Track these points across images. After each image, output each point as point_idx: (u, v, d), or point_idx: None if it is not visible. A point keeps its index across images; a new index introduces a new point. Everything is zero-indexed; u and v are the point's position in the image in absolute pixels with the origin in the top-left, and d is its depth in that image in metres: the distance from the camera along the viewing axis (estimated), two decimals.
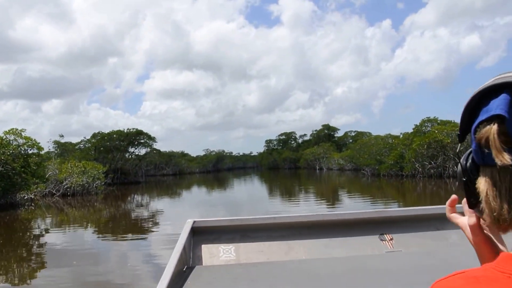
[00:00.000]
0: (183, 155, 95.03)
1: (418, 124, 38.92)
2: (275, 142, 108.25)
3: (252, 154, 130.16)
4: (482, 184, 0.64)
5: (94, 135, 51.29)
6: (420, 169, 34.20)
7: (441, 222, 2.67)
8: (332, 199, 24.56)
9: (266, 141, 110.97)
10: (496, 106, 0.60)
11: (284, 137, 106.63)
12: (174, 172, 75.89)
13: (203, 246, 2.59)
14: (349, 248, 2.58)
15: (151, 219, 18.63)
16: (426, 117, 38.38)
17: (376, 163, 40.60)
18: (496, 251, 0.72)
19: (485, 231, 0.74)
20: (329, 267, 2.22)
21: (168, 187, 46.52)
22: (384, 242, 2.67)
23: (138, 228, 16.23)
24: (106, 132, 51.01)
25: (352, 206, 20.37)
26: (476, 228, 0.74)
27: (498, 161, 0.58)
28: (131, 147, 52.64)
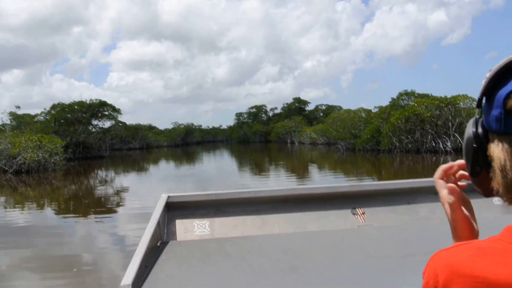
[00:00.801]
0: (151, 128, 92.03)
1: (395, 97, 37.85)
2: (245, 115, 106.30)
3: (222, 128, 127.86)
4: (498, 151, 0.63)
5: (53, 106, 47.83)
6: (397, 144, 33.27)
7: (412, 196, 2.71)
8: (304, 173, 23.89)
9: (237, 114, 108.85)
10: None
11: (254, 110, 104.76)
12: (141, 146, 73.25)
13: (177, 221, 2.59)
14: (322, 222, 2.59)
15: (117, 196, 17.60)
16: (403, 90, 37.44)
17: (351, 137, 39.51)
18: (471, 229, 0.74)
19: (463, 209, 0.75)
20: (302, 241, 2.19)
21: (135, 161, 44.61)
22: (356, 216, 2.72)
23: (103, 205, 15.32)
24: (67, 103, 47.62)
25: (326, 181, 19.26)
26: (456, 206, 0.75)
27: None
28: (95, 120, 49.60)
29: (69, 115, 46.42)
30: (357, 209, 2.76)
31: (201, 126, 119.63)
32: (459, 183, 0.81)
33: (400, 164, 26.22)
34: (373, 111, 44.76)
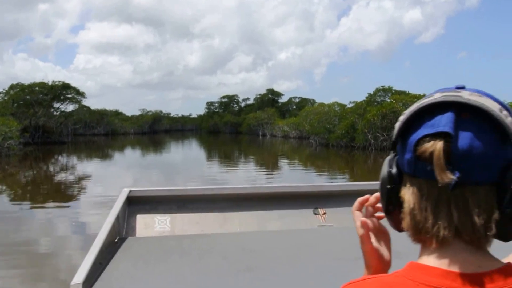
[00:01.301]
0: (117, 113, 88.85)
1: (371, 93, 37.15)
2: (216, 105, 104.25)
3: (191, 116, 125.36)
4: (408, 194, 0.66)
5: (12, 87, 44.71)
6: (372, 141, 32.59)
7: None
8: (274, 167, 23.33)
9: (208, 103, 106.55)
10: (445, 123, 0.61)
11: (226, 99, 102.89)
12: (106, 132, 70.73)
13: (138, 216, 2.53)
14: (284, 221, 2.57)
15: (77, 184, 16.69)
16: (381, 86, 36.71)
17: (325, 132, 38.59)
18: (380, 260, 0.78)
19: (373, 242, 0.79)
20: (262, 240, 2.21)
21: (99, 148, 42.76)
22: (317, 216, 2.70)
23: (63, 194, 14.45)
24: (26, 84, 44.61)
25: (296, 177, 18.71)
26: (366, 239, 0.78)
27: (440, 179, 0.60)
28: (57, 103, 46.84)
29: (28, 97, 43.49)
30: (319, 209, 2.77)
31: (170, 114, 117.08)
32: (378, 214, 0.83)
33: (374, 162, 25.55)
34: (348, 106, 44.06)
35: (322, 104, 55.59)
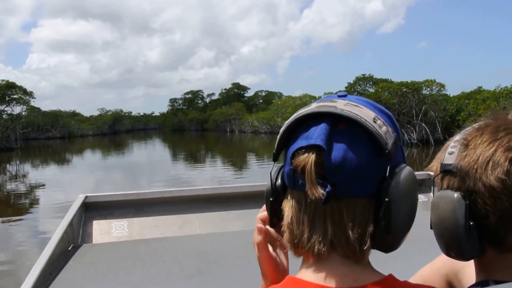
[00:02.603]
0: (74, 114, 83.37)
1: (352, 82, 34.66)
2: (180, 102, 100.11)
3: (154, 115, 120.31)
4: (288, 208, 0.65)
5: None
6: None
7: None
8: (242, 166, 22.47)
9: (171, 100, 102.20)
10: (317, 135, 0.60)
11: (190, 95, 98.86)
12: (62, 135, 65.75)
13: (94, 222, 2.44)
14: (245, 221, 2.49)
15: (30, 194, 15.40)
16: (361, 75, 34.36)
17: None
18: (276, 269, 0.76)
19: (270, 250, 0.76)
20: (223, 241, 2.18)
21: (54, 152, 39.60)
22: None
23: (13, 206, 13.29)
24: None
25: (267, 175, 15.92)
26: (262, 246, 0.75)
27: (310, 194, 0.59)
28: (1, 104, 41.82)
29: None
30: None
31: (131, 112, 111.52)
32: None
33: None
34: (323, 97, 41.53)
35: (291, 97, 53.09)
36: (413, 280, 0.95)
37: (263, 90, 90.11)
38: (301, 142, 0.62)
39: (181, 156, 31.18)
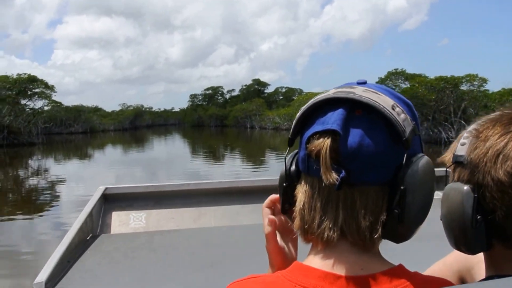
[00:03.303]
0: (96, 110, 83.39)
1: (383, 77, 32.99)
2: (200, 97, 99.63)
3: (174, 110, 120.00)
4: (301, 193, 0.65)
5: None
6: None
7: None
8: (262, 162, 22.14)
9: (191, 95, 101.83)
10: (334, 120, 0.60)
11: (210, 91, 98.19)
12: (84, 130, 65.94)
13: (113, 213, 2.50)
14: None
15: (52, 189, 15.45)
16: (394, 69, 32.64)
17: None
18: (284, 260, 0.75)
19: (278, 240, 0.76)
20: (238, 234, 2.19)
21: (77, 147, 39.48)
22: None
23: (35, 201, 13.14)
24: None
25: None
26: (271, 237, 0.75)
27: (325, 179, 0.59)
28: (24, 99, 41.57)
29: None
30: None
31: (151, 108, 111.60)
32: None
33: None
34: None
35: (314, 93, 51.65)
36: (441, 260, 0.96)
37: (283, 87, 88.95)
38: (316, 127, 0.61)
39: (201, 152, 30.90)
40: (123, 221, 2.46)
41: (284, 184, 0.68)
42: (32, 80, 40.57)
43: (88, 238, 2.17)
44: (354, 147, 0.58)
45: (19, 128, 39.70)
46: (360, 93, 0.61)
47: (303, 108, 0.65)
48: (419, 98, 26.39)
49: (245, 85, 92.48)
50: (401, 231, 0.62)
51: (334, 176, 0.58)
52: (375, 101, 0.60)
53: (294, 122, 0.66)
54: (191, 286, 1.75)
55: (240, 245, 1.93)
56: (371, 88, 0.62)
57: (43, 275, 1.59)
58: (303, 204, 0.63)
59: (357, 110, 0.60)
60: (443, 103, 27.05)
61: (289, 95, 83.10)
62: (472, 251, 0.69)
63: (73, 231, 1.97)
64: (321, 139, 0.60)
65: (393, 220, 0.60)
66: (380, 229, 0.61)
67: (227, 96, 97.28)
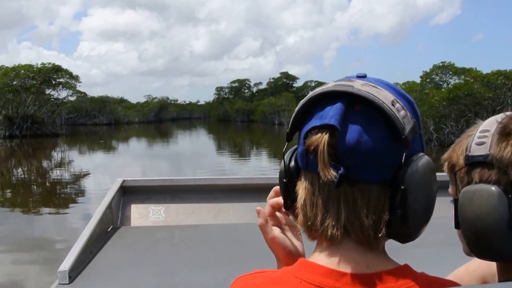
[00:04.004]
0: (121, 101, 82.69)
1: (428, 71, 30.13)
2: (226, 90, 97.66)
3: (199, 103, 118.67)
4: (302, 189, 0.64)
5: None
6: (435, 134, 25.79)
7: None
8: None
9: (217, 88, 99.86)
10: (332, 115, 0.59)
11: (237, 84, 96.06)
12: (109, 122, 65.36)
13: (132, 206, 2.53)
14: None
15: (77, 181, 15.32)
16: (441, 62, 29.63)
17: None
18: (287, 252, 0.75)
19: (276, 233, 0.75)
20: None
21: (101, 139, 38.40)
22: None
23: (60, 194, 13.16)
24: (10, 67, 38.18)
25: None
26: (264, 229, 0.75)
27: (322, 175, 0.58)
28: (48, 89, 40.50)
29: (15, 82, 37.17)
30: None
31: (177, 100, 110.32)
32: None
33: (436, 161, 19.16)
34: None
35: None
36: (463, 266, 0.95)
37: (312, 80, 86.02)
38: (315, 122, 0.60)
39: (227, 149, 30.19)
40: (142, 214, 2.48)
41: (284, 180, 0.67)
42: (57, 69, 39.21)
43: (109, 229, 2.20)
44: (353, 143, 0.57)
45: (43, 118, 38.63)
46: (359, 87, 0.59)
47: (302, 101, 0.64)
48: (474, 95, 23.56)
49: (273, 78, 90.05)
50: (405, 231, 0.61)
51: (332, 173, 0.57)
52: (374, 96, 0.58)
53: (293, 115, 0.64)
54: (211, 282, 1.73)
55: (261, 243, 1.81)
56: (371, 82, 0.61)
57: (66, 264, 1.62)
58: (304, 200, 0.63)
59: (356, 105, 0.59)
60: (499, 102, 24.21)
61: None
62: (506, 257, 0.65)
63: (94, 222, 1.99)
64: (319, 134, 0.59)
65: (397, 220, 0.59)
66: (383, 229, 0.60)
67: (254, 89, 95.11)
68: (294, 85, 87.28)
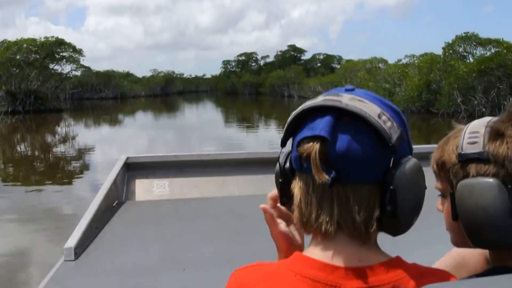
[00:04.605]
0: (127, 75, 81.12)
1: (450, 41, 28.27)
2: (233, 64, 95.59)
3: (205, 77, 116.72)
4: (297, 189, 0.69)
5: None
6: (463, 106, 24.29)
7: None
8: None
9: (224, 62, 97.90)
10: (322, 127, 0.63)
11: (243, 58, 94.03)
12: (115, 96, 64.00)
13: (137, 181, 2.56)
14: None
15: (81, 159, 14.44)
16: (464, 33, 27.76)
17: (384, 94, 30.37)
18: (289, 244, 0.78)
19: (282, 227, 0.79)
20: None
21: (107, 114, 37.67)
22: None
23: (66, 168, 12.93)
24: (12, 41, 36.68)
25: None
26: (271, 223, 0.79)
27: (317, 179, 0.63)
28: (52, 63, 39.07)
29: (18, 56, 35.76)
30: None
31: (182, 74, 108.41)
32: None
33: None
34: (404, 60, 35.52)
35: (361, 60, 47.18)
36: (447, 255, 1.00)
37: (320, 53, 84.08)
38: (306, 132, 0.65)
39: (239, 121, 29.36)
40: (146, 188, 2.49)
41: (280, 180, 0.72)
42: (60, 43, 37.65)
43: (114, 204, 2.23)
44: (343, 151, 0.62)
45: (46, 93, 37.36)
46: (347, 101, 0.64)
47: (294, 113, 0.68)
48: (508, 67, 21.94)
49: (280, 51, 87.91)
50: (395, 225, 0.65)
51: (325, 176, 0.62)
52: (361, 109, 0.63)
53: (286, 125, 0.69)
54: (216, 254, 1.74)
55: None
56: (358, 96, 0.65)
57: (72, 240, 1.63)
58: (300, 199, 0.67)
59: (344, 117, 0.64)
60: None
61: (328, 63, 78.41)
62: (506, 244, 0.71)
63: (99, 198, 1.99)
64: (311, 143, 0.63)
65: (387, 215, 0.63)
66: (375, 224, 0.64)
67: (261, 62, 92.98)
68: (302, 57, 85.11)
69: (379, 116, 0.63)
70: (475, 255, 0.92)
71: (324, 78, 53.27)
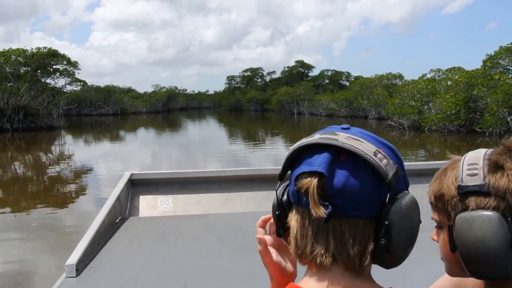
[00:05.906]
0: (128, 91, 78.38)
1: (493, 53, 25.03)
2: (238, 80, 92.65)
3: (208, 93, 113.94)
4: (294, 221, 0.70)
5: None
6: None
7: None
8: None
9: (228, 77, 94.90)
10: (320, 163, 0.65)
11: (249, 73, 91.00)
12: (115, 112, 61.77)
13: (141, 197, 2.57)
14: None
15: (79, 180, 13.31)
16: (509, 43, 24.49)
17: (413, 112, 26.90)
18: (282, 273, 0.79)
19: (274, 256, 0.79)
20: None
21: (108, 131, 35.59)
22: None
23: (58, 194, 11.52)
24: None
25: None
26: (264, 253, 0.79)
27: (314, 213, 0.64)
28: (45, 77, 36.02)
29: (8, 69, 32.74)
30: None
31: (185, 90, 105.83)
32: None
33: None
34: (429, 75, 32.27)
35: (378, 76, 44.08)
36: (446, 276, 0.98)
37: (329, 70, 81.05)
38: (304, 167, 0.66)
39: (245, 140, 27.48)
40: (150, 205, 2.50)
41: (277, 213, 0.73)
42: (53, 54, 34.57)
43: (117, 220, 2.24)
44: (340, 187, 0.63)
45: (37, 109, 34.21)
46: (343, 140, 0.65)
47: (292, 148, 0.70)
48: None
49: (288, 67, 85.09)
50: (389, 259, 0.66)
51: (322, 211, 0.63)
52: (358, 148, 0.64)
53: (284, 159, 0.71)
54: (219, 271, 1.73)
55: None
56: (353, 135, 0.67)
57: (74, 257, 1.64)
58: (296, 231, 0.68)
59: (342, 154, 0.65)
60: None
61: (336, 79, 75.50)
62: (506, 275, 0.72)
63: (102, 214, 2.00)
64: (309, 178, 0.64)
65: (381, 249, 0.64)
66: (369, 257, 0.65)
67: (267, 78, 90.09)
68: (309, 74, 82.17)
69: (375, 154, 0.64)
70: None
71: (338, 94, 50.06)
